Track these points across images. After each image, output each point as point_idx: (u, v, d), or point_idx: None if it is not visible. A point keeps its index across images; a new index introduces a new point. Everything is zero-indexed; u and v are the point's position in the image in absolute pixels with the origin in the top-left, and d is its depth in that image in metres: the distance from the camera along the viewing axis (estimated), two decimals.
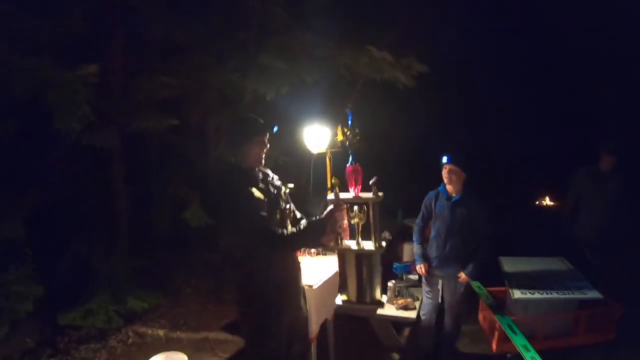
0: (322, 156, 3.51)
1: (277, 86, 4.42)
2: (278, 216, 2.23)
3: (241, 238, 2.06)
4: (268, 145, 2.29)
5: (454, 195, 3.27)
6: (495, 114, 7.61)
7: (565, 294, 3.15)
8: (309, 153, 3.48)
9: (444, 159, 3.24)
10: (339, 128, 3.37)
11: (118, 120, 4.29)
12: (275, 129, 2.42)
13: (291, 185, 2.49)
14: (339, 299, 3.35)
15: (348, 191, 3.15)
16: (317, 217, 2.19)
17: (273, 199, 2.25)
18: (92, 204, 4.69)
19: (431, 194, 3.43)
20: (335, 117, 3.39)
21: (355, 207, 3.09)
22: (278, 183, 2.38)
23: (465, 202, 3.22)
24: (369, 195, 3.08)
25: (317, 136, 3.38)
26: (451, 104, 7.51)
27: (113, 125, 4.26)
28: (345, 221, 2.97)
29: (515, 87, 7.78)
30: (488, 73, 7.37)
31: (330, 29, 4.69)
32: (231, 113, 4.73)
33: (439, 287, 3.45)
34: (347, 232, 3.23)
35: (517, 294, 3.18)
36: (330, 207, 2.16)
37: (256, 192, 2.13)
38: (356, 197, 3.06)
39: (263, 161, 2.29)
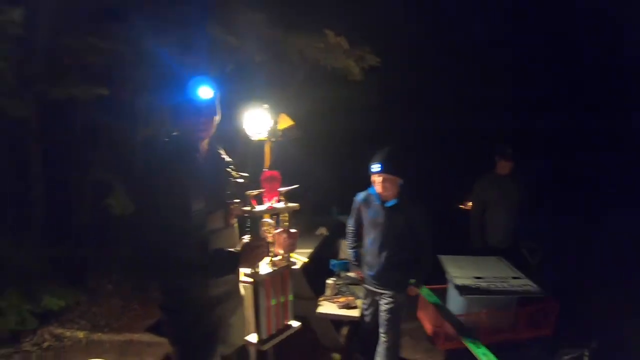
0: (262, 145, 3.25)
1: (223, 63, 4.00)
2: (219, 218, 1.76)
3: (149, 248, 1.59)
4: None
5: (388, 199, 2.80)
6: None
7: (508, 289, 3.21)
8: (251, 141, 3.21)
9: (376, 167, 2.72)
10: (282, 115, 3.13)
11: (39, 84, 3.69)
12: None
13: (246, 175, 1.94)
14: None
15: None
16: (234, 250, 1.73)
17: (219, 187, 1.78)
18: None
19: (361, 196, 2.94)
20: (278, 102, 3.14)
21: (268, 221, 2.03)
22: (230, 168, 1.90)
23: (402, 207, 2.79)
24: (282, 205, 1.98)
25: (258, 122, 3.12)
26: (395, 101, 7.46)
27: (31, 91, 3.66)
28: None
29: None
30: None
31: (284, 11, 4.40)
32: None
33: (377, 298, 2.98)
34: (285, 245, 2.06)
35: (460, 281, 3.28)
36: (246, 241, 1.74)
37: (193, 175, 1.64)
38: (270, 209, 1.94)
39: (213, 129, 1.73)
